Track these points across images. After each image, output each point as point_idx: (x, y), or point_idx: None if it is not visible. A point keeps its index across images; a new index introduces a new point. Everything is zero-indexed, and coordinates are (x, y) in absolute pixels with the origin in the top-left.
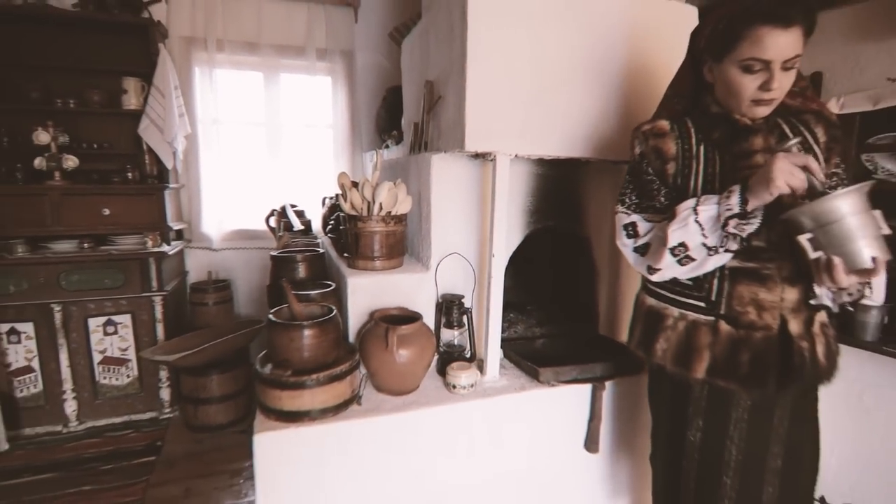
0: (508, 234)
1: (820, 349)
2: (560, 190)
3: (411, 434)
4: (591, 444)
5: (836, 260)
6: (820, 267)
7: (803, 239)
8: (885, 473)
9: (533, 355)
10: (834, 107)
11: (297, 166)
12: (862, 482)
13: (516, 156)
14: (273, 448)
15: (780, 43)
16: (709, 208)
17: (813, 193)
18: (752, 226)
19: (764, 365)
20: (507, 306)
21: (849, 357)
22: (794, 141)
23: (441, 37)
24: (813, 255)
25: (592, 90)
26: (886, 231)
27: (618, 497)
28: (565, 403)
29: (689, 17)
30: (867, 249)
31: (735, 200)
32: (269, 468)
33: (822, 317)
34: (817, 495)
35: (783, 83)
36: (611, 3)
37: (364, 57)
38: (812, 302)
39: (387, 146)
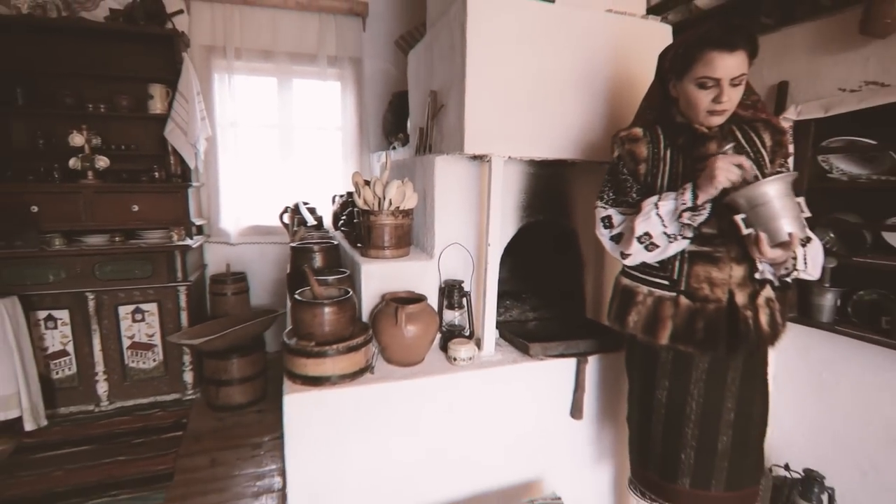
0: (503, 227)
1: (763, 318)
2: (550, 188)
3: (416, 398)
4: (575, 411)
5: (762, 235)
6: (750, 241)
7: (738, 218)
8: (842, 442)
9: (525, 334)
10: (792, 114)
11: (309, 166)
12: (823, 451)
13: (510, 157)
14: (299, 407)
15: (727, 64)
16: (667, 203)
17: (747, 184)
18: (703, 216)
19: (715, 331)
20: (505, 294)
21: (809, 338)
22: (729, 145)
23: (443, 53)
24: (745, 231)
25: (578, 99)
26: (807, 214)
27: (602, 460)
28: (553, 376)
29: (665, 35)
30: (787, 226)
31: (688, 196)
32: (295, 423)
33: (767, 292)
34: (782, 462)
35: (732, 97)
36: (595, 23)
37: (371, 63)
38: (756, 276)
39: (393, 147)
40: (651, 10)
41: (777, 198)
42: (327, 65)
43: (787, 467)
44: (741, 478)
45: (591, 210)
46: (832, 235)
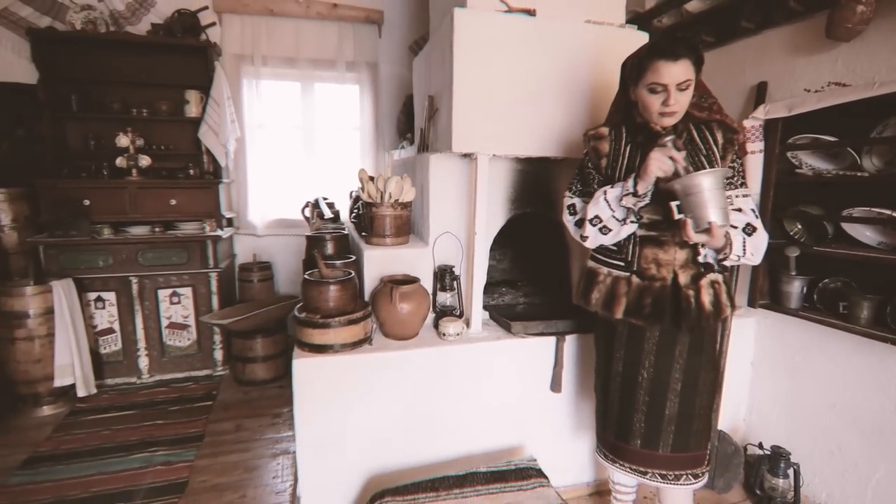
0: (493, 218)
1: (706, 298)
2: (536, 182)
3: (409, 367)
4: (555, 385)
5: (688, 220)
6: (679, 225)
7: (672, 204)
8: (812, 423)
9: (510, 315)
10: (761, 113)
11: (329, 164)
12: (796, 431)
13: (494, 155)
14: (306, 371)
15: (672, 72)
16: (613, 190)
17: (679, 175)
18: (644, 202)
19: (661, 306)
20: (501, 283)
21: (784, 324)
22: (668, 139)
23: (437, 61)
24: (677, 216)
25: (558, 102)
26: (735, 207)
27: (580, 431)
28: (534, 352)
29: (642, 42)
30: (711, 216)
31: (630, 184)
32: (303, 385)
33: (714, 276)
34: (755, 441)
35: (680, 100)
36: (574, 33)
37: (387, 68)
38: (700, 259)
39: (402, 147)
40: (644, 15)
41: (708, 189)
42: (346, 70)
43: (760, 446)
44: (687, 441)
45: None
46: (799, 227)
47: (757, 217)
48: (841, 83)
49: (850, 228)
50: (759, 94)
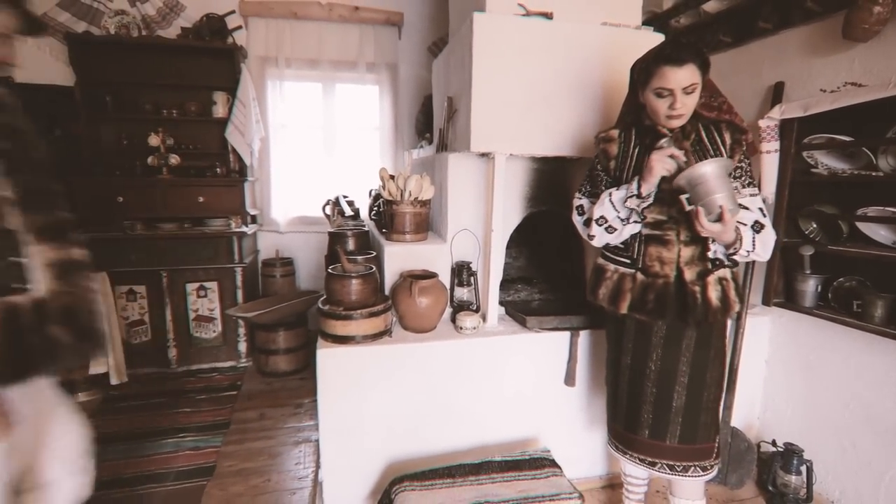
0: (510, 216)
1: (713, 294)
2: (553, 181)
3: (427, 359)
4: (569, 379)
5: (700, 209)
6: (692, 216)
7: (682, 197)
8: (826, 420)
9: (526, 310)
10: (777, 113)
11: (349, 163)
12: (809, 429)
13: (511, 154)
14: (329, 360)
15: (678, 76)
16: (618, 192)
17: (682, 170)
18: (647, 202)
19: (663, 302)
20: (517, 279)
21: (798, 322)
22: (664, 139)
23: (456, 64)
24: (688, 208)
25: (574, 103)
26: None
27: (593, 425)
28: (549, 347)
29: (657, 43)
30: (720, 200)
31: (634, 186)
32: (326, 374)
33: (722, 272)
34: (769, 438)
35: (686, 103)
36: (591, 35)
37: (406, 69)
38: (710, 255)
39: (421, 146)
40: (662, 16)
41: (712, 178)
42: (366, 71)
43: (773, 443)
44: (695, 433)
45: None
46: (814, 226)
47: (765, 216)
48: (857, 83)
49: (864, 228)
50: (776, 94)
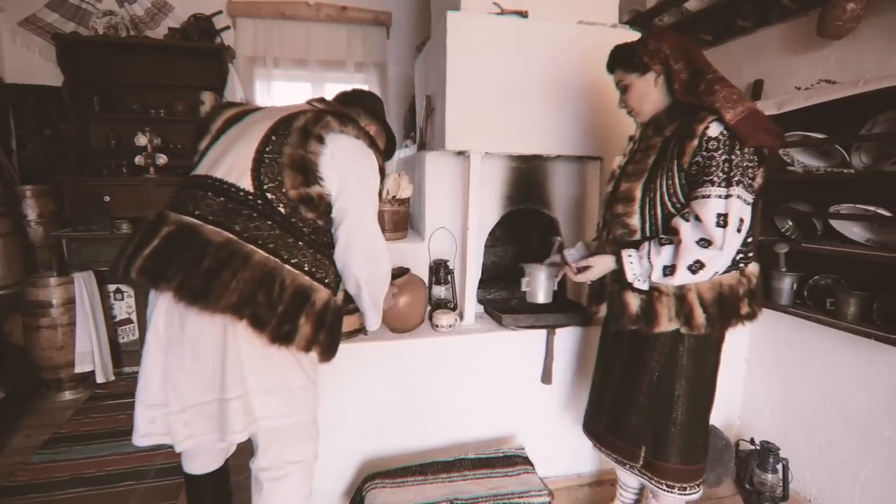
0: (487, 215)
1: (633, 302)
2: (531, 179)
3: (403, 357)
4: (545, 377)
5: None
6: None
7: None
8: (803, 418)
9: (503, 309)
10: None
11: None
12: (787, 427)
13: (487, 153)
14: None
15: (616, 80)
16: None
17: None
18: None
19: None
20: (498, 278)
21: (777, 320)
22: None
23: (434, 62)
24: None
25: (550, 102)
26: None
27: (572, 423)
28: (525, 345)
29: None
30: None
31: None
32: None
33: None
34: (748, 437)
35: (627, 101)
36: (567, 34)
37: (394, 68)
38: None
39: (406, 145)
40: (645, 14)
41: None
42: (354, 70)
43: (752, 441)
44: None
45: (569, 200)
46: (790, 223)
47: (724, 225)
48: (831, 81)
49: (838, 225)
50: (756, 92)
